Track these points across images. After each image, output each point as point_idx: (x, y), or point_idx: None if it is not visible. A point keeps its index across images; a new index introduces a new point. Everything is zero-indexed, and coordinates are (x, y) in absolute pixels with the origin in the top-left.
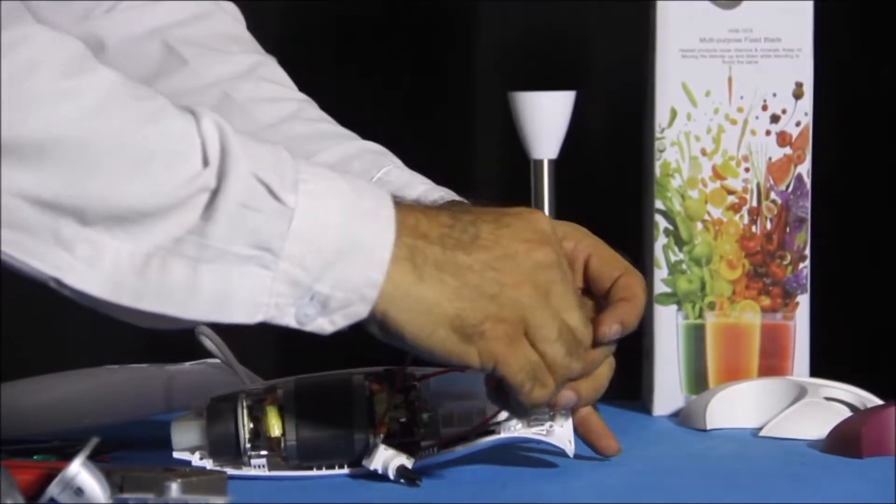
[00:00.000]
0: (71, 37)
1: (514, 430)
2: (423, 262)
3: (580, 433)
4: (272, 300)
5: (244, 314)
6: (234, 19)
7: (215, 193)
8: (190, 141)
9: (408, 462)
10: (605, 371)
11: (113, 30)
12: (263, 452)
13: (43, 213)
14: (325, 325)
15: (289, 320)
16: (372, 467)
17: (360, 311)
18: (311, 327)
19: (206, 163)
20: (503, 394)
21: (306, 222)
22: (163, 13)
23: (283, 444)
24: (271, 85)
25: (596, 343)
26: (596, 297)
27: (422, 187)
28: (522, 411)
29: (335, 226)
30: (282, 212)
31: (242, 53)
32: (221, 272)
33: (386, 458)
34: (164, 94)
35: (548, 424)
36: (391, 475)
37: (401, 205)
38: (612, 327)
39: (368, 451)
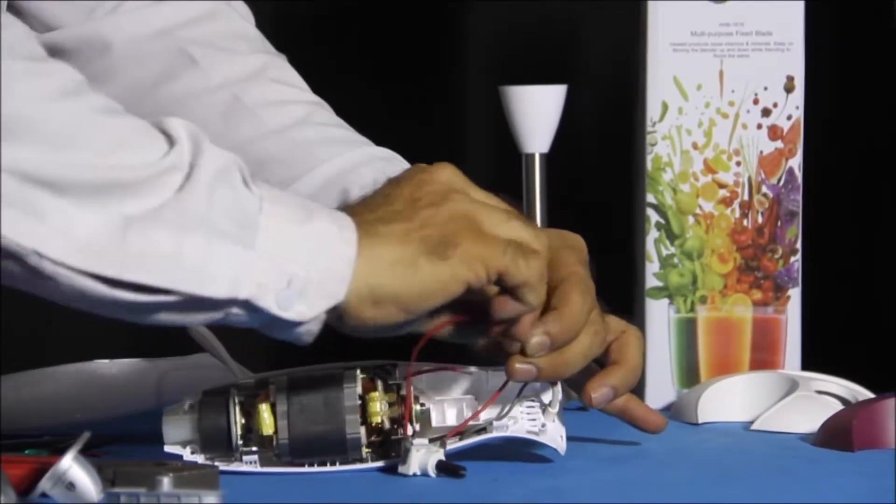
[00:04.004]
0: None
1: (506, 428)
2: (370, 226)
3: (625, 421)
4: (254, 278)
5: (226, 288)
6: (242, 17)
7: (191, 170)
8: (152, 130)
9: (440, 454)
10: (636, 357)
11: (118, 30)
12: (255, 448)
13: (18, 183)
14: (304, 311)
15: (270, 304)
16: (411, 472)
17: (338, 291)
18: (291, 314)
19: (171, 143)
20: (511, 306)
21: (275, 207)
22: (169, 13)
23: (274, 442)
24: (281, 87)
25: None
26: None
27: None
28: (536, 299)
29: (298, 213)
30: (252, 196)
31: (252, 53)
32: (203, 242)
33: (422, 459)
34: (173, 96)
35: (540, 422)
36: (431, 473)
37: None
38: (600, 392)
39: (402, 457)
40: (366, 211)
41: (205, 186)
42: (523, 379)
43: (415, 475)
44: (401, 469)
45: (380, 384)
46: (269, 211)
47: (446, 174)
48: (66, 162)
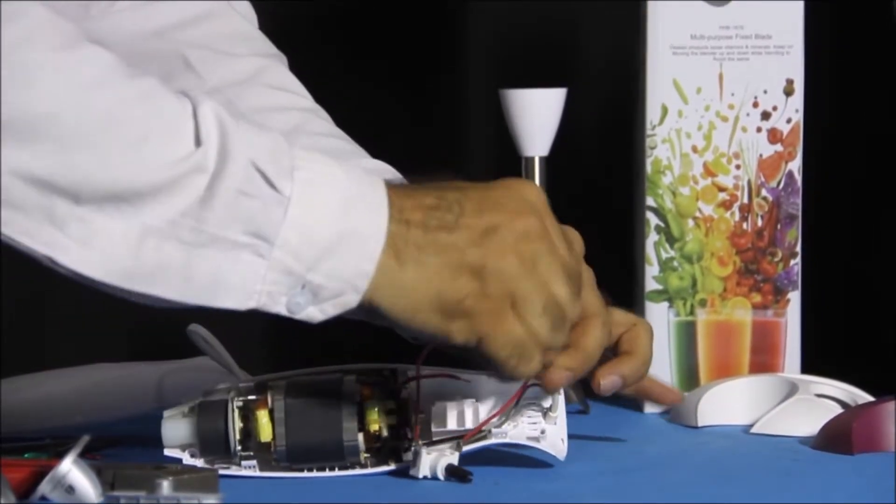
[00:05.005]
0: (62, 17)
1: (506, 434)
2: (405, 246)
3: (642, 399)
4: (265, 288)
5: (235, 300)
6: (243, 17)
7: (214, 177)
8: (182, 121)
9: (453, 457)
10: (646, 348)
11: (111, 32)
12: (253, 453)
13: (36, 190)
14: (315, 313)
15: (279, 308)
16: (420, 475)
17: (351, 301)
18: (301, 316)
19: (198, 142)
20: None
21: (301, 211)
22: (165, 14)
23: (272, 448)
24: (276, 92)
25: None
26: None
27: None
28: (507, 374)
29: (330, 215)
30: (278, 200)
31: (249, 56)
32: (216, 258)
33: (432, 462)
34: None
35: (540, 427)
36: (440, 476)
37: (391, 188)
38: (609, 379)
39: (413, 460)
40: (421, 224)
41: (227, 200)
42: (566, 384)
43: (425, 478)
44: (412, 472)
45: (378, 391)
46: (293, 217)
47: (527, 226)
48: (82, 168)
